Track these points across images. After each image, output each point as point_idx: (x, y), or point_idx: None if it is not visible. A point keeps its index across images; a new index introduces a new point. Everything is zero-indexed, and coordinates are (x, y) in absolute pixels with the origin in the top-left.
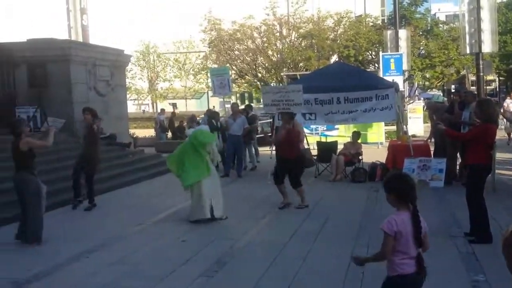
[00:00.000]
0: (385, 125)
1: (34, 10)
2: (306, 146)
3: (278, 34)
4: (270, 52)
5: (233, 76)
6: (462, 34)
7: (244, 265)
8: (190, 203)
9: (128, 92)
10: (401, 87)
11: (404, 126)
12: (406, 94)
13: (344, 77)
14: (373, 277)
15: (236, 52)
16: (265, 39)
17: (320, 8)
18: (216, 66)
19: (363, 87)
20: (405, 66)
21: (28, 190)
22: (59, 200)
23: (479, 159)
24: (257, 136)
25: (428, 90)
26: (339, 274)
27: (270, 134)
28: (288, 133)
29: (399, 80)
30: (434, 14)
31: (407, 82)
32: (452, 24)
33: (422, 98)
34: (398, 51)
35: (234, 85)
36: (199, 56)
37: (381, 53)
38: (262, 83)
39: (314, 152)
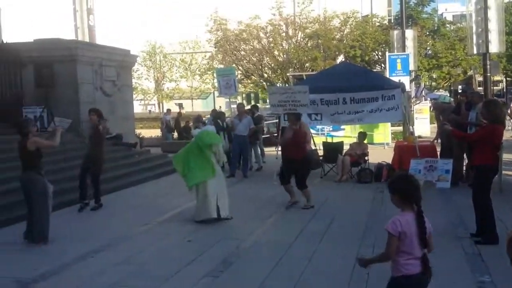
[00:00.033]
0: (392, 126)
1: (41, 10)
2: (313, 147)
3: (284, 34)
4: (276, 52)
5: (239, 76)
6: (469, 34)
7: (249, 265)
8: (196, 203)
9: (134, 92)
10: (407, 88)
11: (411, 127)
12: (413, 94)
13: (350, 78)
14: (378, 277)
15: (242, 53)
16: (271, 39)
17: (327, 8)
18: (222, 66)
19: (369, 87)
20: (411, 67)
21: (35, 189)
22: (65, 200)
23: (486, 160)
24: (263, 136)
25: (435, 91)
26: (344, 274)
27: (276, 134)
28: (295, 134)
29: (405, 80)
30: (441, 14)
31: (413, 82)
32: (459, 24)
33: (428, 99)
34: (404, 51)
35: (240, 85)
36: (205, 56)
37: (387, 53)
38: (268, 84)
39: (320, 152)
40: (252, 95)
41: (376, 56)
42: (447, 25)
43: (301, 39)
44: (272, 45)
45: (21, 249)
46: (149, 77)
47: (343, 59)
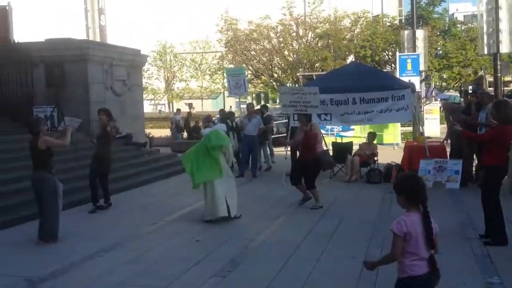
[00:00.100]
0: (401, 126)
1: (52, 10)
2: (324, 148)
3: (294, 34)
4: (286, 52)
5: (249, 76)
6: (480, 34)
7: (257, 265)
8: (204, 203)
9: (144, 92)
10: (417, 88)
11: (421, 127)
12: (423, 94)
13: (360, 78)
14: (386, 278)
15: (252, 52)
16: (281, 39)
17: (337, 8)
18: (232, 66)
19: (379, 87)
20: (422, 67)
21: (46, 188)
22: (75, 199)
23: (496, 161)
24: (272, 136)
25: (445, 91)
26: (352, 275)
27: (285, 135)
28: (306, 136)
29: (415, 80)
30: (452, 14)
31: (424, 82)
32: (470, 24)
33: (438, 99)
34: (415, 51)
35: (250, 85)
36: (215, 56)
37: (398, 54)
38: (278, 84)
39: (329, 152)
40: (262, 95)
41: (387, 56)
42: (458, 25)
43: (311, 39)
44: (282, 45)
45: (31, 248)
46: (159, 77)
47: (353, 59)
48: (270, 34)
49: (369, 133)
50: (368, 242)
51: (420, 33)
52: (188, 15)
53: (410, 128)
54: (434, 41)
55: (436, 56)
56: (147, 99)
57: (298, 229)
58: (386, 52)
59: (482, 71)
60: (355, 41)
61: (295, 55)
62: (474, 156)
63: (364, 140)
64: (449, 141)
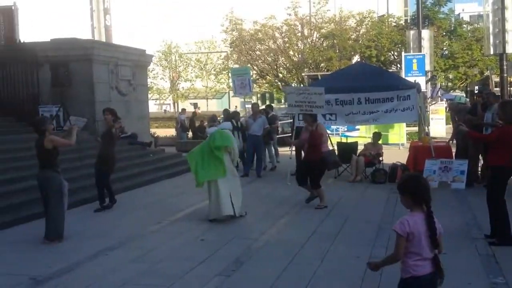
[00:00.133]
0: (407, 126)
1: (57, 10)
2: (330, 147)
3: (299, 34)
4: (291, 52)
5: (254, 76)
6: (486, 34)
7: (261, 264)
8: (208, 202)
9: (149, 92)
10: (423, 88)
11: (426, 127)
12: (429, 95)
13: (366, 78)
14: (390, 278)
15: (257, 52)
16: (286, 39)
17: (342, 8)
18: (237, 66)
19: (384, 87)
20: (427, 67)
21: (51, 187)
22: (80, 198)
23: (501, 161)
24: (277, 136)
25: (451, 91)
26: (357, 275)
27: (289, 134)
28: (311, 136)
29: (421, 80)
30: (458, 15)
31: (429, 83)
32: (476, 25)
33: (444, 99)
34: (421, 51)
35: (255, 85)
36: (220, 56)
37: (403, 54)
38: (283, 84)
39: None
40: (267, 95)
41: (392, 57)
42: (464, 25)
43: (317, 39)
44: (287, 45)
45: (36, 247)
46: (165, 77)
47: (359, 59)
48: (275, 34)
49: (374, 133)
50: (373, 242)
51: (425, 33)
52: (193, 15)
53: (416, 128)
54: (440, 41)
55: (442, 56)
56: (152, 99)
57: (302, 228)
58: (392, 52)
59: (488, 71)
60: (360, 41)
61: (300, 55)
62: (480, 156)
63: (369, 140)
64: (454, 142)
